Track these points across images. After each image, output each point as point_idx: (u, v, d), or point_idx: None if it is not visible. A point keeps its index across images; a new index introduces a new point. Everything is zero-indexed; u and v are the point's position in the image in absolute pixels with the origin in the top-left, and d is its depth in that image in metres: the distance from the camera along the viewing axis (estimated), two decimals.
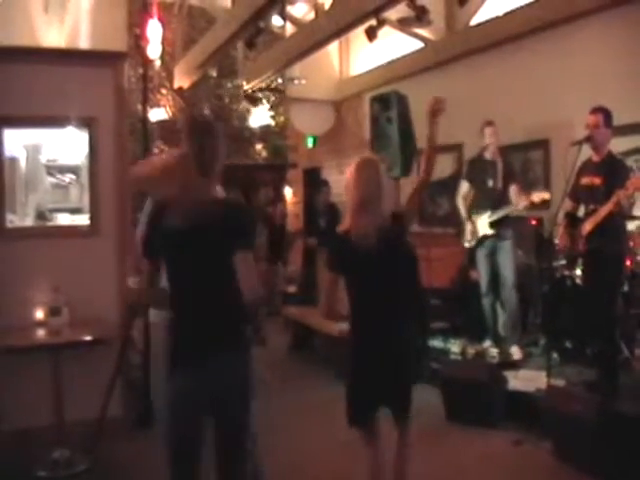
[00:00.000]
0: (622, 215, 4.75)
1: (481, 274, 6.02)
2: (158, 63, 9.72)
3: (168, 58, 9.98)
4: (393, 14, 7.57)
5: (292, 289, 9.57)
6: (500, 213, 5.78)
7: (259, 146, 11.26)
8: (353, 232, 3.02)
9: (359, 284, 3.13)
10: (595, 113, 4.79)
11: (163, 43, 7.45)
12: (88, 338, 4.28)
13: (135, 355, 5.17)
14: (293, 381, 6.34)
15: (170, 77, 10.19)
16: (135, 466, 4.26)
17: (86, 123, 4.77)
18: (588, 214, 4.77)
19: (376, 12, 7.11)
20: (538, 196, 5.59)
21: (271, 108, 11.25)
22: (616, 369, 4.68)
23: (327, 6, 8.26)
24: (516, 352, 5.73)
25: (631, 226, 5.29)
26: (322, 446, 4.64)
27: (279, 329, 8.23)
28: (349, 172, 3.11)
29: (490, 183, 5.89)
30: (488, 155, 5.99)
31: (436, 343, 6.33)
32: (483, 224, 5.88)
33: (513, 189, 5.83)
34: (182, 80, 10.00)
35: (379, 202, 3.03)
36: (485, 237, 5.89)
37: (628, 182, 4.49)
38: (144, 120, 5.79)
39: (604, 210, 4.57)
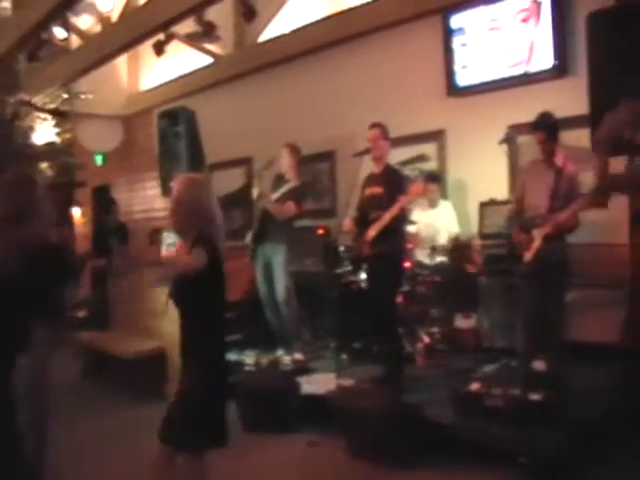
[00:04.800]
0: (403, 220, 5.09)
1: (259, 285, 6.14)
2: None
3: None
4: (183, 29, 7.51)
5: (82, 313, 9.07)
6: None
7: (44, 165, 10.61)
8: None
9: None
10: (374, 127, 5.13)
11: None
12: None
13: None
14: (90, 409, 5.97)
15: None
16: None
17: None
18: (372, 221, 5.04)
19: (164, 27, 7.02)
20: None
21: (56, 124, 10.65)
22: (400, 364, 4.96)
23: (114, 18, 8.02)
24: (300, 358, 5.88)
25: (410, 229, 5.69)
26: (129, 471, 4.38)
27: (70, 357, 7.72)
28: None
29: (272, 196, 6.04)
30: (285, 175, 6.17)
31: (231, 356, 6.28)
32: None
33: (287, 203, 5.96)
34: None
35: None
36: (253, 249, 6.07)
37: (410, 188, 4.83)
38: None
39: (388, 215, 4.86)
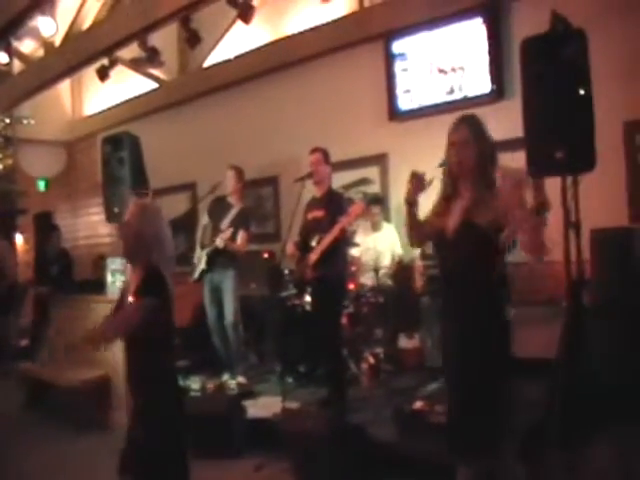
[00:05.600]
0: (345, 242, 5.12)
1: (207, 309, 6.14)
2: None
3: None
4: (127, 54, 7.51)
5: (24, 342, 8.82)
6: (205, 251, 6.02)
7: None
8: None
9: None
10: (314, 152, 5.19)
11: None
12: None
13: None
14: (32, 441, 5.77)
15: None
16: None
17: None
18: (315, 245, 5.07)
19: (107, 51, 7.01)
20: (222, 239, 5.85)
21: None
22: (344, 385, 4.98)
23: (57, 43, 7.97)
24: (244, 382, 5.89)
25: (354, 252, 5.74)
26: None
27: (11, 388, 7.48)
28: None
29: (220, 222, 6.05)
30: (228, 198, 6.17)
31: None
32: (201, 260, 6.06)
33: (241, 234, 6.01)
34: None
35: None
36: (203, 271, 6.05)
37: (350, 209, 4.88)
38: None
39: (329, 238, 4.90)
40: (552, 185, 4.45)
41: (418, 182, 3.10)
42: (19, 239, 10.96)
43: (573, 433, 3.80)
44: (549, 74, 3.89)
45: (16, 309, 8.91)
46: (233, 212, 6.10)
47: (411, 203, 3.14)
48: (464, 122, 3.09)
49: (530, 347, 4.86)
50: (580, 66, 3.82)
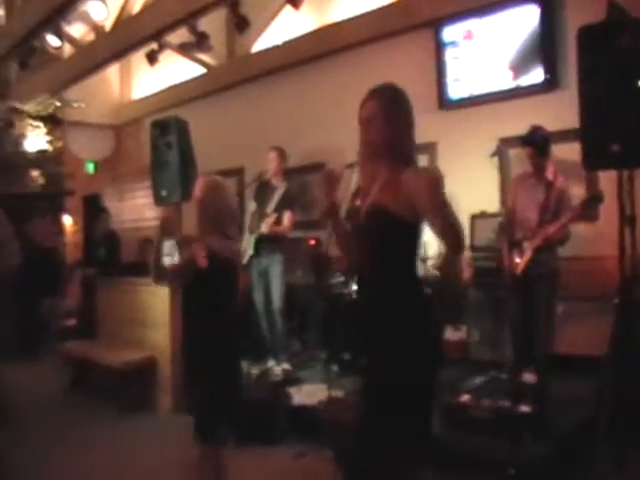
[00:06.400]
0: None
1: (255, 294, 6.17)
2: None
3: None
4: (175, 38, 7.54)
5: (71, 322, 9.01)
6: (253, 236, 6.04)
7: (35, 173, 10.57)
8: None
9: None
10: None
11: None
12: None
13: None
14: (76, 420, 5.88)
15: None
16: None
17: None
18: None
19: (156, 36, 7.05)
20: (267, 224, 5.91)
21: (48, 133, 10.62)
22: None
23: (107, 28, 8.04)
24: (288, 368, 5.93)
25: None
26: None
27: (56, 368, 7.64)
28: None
29: (266, 207, 6.06)
30: (272, 179, 6.17)
31: None
32: (249, 244, 6.07)
33: (287, 215, 6.02)
34: None
35: None
36: (251, 257, 6.06)
37: None
38: None
39: None
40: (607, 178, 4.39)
41: (330, 181, 2.70)
42: (67, 220, 11.19)
43: (623, 432, 3.74)
44: (605, 65, 3.79)
45: (62, 289, 9.10)
46: (278, 194, 6.10)
47: (330, 214, 2.72)
48: (373, 96, 2.66)
49: (579, 344, 4.80)
50: (637, 57, 3.71)
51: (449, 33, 6.27)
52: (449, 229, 2.44)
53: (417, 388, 2.53)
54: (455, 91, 6.26)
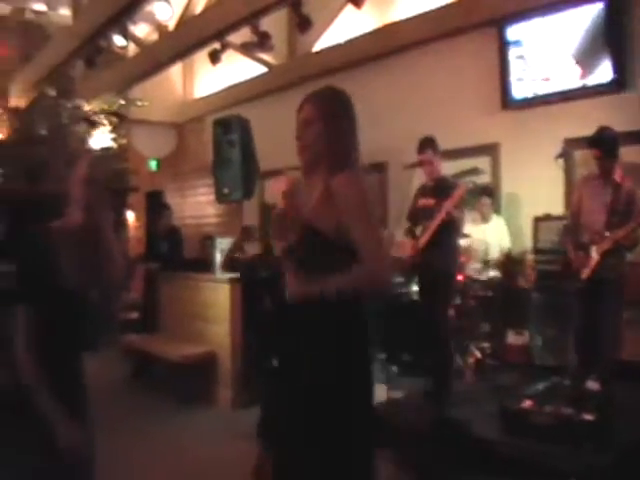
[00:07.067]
0: (454, 230, 5.02)
1: None
2: None
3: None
4: (237, 38, 7.64)
5: (133, 316, 9.23)
6: None
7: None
8: None
9: None
10: (424, 149, 5.04)
11: None
12: None
13: None
14: (136, 412, 6.00)
15: (5, 95, 9.56)
16: None
17: None
18: (423, 231, 5.01)
19: (219, 36, 7.15)
20: None
21: (112, 130, 10.87)
22: (449, 378, 4.92)
23: (171, 28, 8.20)
24: None
25: (462, 243, 5.64)
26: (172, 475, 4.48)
27: (118, 360, 7.85)
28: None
29: None
30: None
31: None
32: None
33: None
34: (18, 99, 9.43)
35: None
36: None
37: (453, 193, 4.80)
38: None
39: (435, 222, 4.84)
40: None
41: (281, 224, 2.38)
42: (130, 216, 11.45)
43: None
44: None
45: (125, 283, 9.30)
46: None
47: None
48: (310, 99, 2.39)
49: None
50: None
51: (513, 32, 6.17)
52: (368, 250, 2.16)
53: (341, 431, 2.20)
54: (519, 91, 6.16)
